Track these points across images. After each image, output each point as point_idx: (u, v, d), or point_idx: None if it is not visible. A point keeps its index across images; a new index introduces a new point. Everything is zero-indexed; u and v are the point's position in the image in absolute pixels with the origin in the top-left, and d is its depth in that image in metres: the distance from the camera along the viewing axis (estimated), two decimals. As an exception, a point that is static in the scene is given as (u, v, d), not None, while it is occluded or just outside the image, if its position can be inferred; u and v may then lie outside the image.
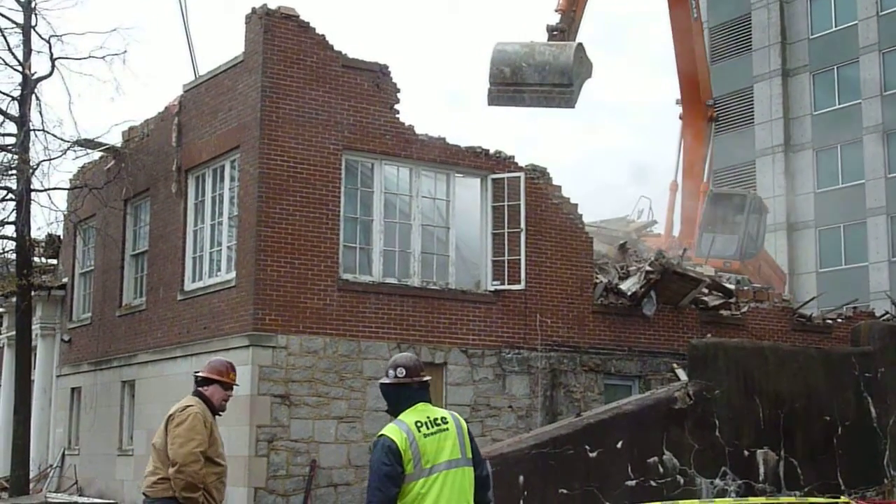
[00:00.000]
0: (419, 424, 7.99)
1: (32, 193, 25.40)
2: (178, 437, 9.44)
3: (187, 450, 9.36)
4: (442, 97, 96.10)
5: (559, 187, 24.40)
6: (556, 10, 27.24)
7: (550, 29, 26.71)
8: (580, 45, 25.21)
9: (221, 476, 9.73)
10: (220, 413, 10.02)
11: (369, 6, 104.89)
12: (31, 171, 25.08)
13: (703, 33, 34.22)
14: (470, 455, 8.11)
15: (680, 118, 34.92)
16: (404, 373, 8.16)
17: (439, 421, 8.06)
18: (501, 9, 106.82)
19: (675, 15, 32.39)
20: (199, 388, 9.96)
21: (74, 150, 26.19)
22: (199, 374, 10.02)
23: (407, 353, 9.03)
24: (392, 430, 7.94)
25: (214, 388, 9.96)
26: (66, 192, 28.19)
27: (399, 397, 8.16)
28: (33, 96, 25.33)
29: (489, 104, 25.12)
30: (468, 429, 8.20)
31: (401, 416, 8.07)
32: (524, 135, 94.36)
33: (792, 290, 50.87)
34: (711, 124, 34.77)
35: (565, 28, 26.77)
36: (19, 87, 25.42)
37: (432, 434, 7.99)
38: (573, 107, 24.89)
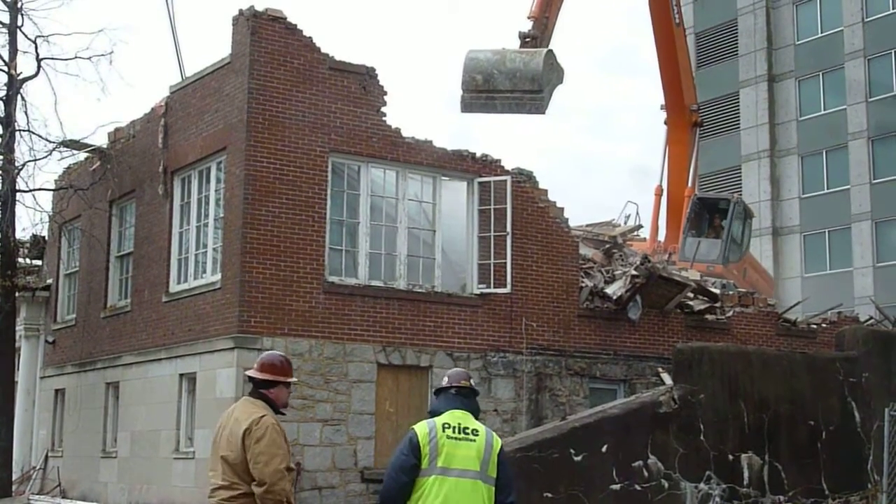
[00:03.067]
0: (447, 426, 8.37)
1: (17, 194, 25.34)
2: (262, 455, 8.74)
3: (273, 468, 8.72)
4: (444, 99, 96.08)
5: (545, 191, 24.42)
6: (529, 17, 27.20)
7: (523, 36, 26.70)
8: (550, 51, 25.32)
9: (293, 480, 9.41)
10: (283, 413, 9.49)
11: (363, 8, 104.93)
12: (16, 171, 25.02)
13: (687, 39, 34.24)
14: (492, 473, 8.36)
15: (665, 123, 34.97)
16: (447, 381, 8.72)
17: (469, 431, 8.40)
18: (499, 9, 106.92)
19: (658, 21, 32.44)
20: (263, 391, 9.15)
21: (60, 151, 26.14)
22: (259, 375, 9.17)
23: (460, 368, 9.38)
24: (419, 425, 8.42)
25: (279, 389, 9.18)
26: (52, 192, 28.10)
27: (439, 400, 8.65)
28: (19, 96, 25.26)
29: (462, 111, 25.10)
30: (500, 451, 8.46)
31: (436, 417, 8.49)
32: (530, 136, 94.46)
33: (777, 294, 50.98)
34: (696, 129, 34.81)
35: (538, 35, 26.74)
36: (5, 88, 25.35)
37: (458, 439, 8.33)
38: (544, 112, 24.92)
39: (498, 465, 8.41)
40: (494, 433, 8.60)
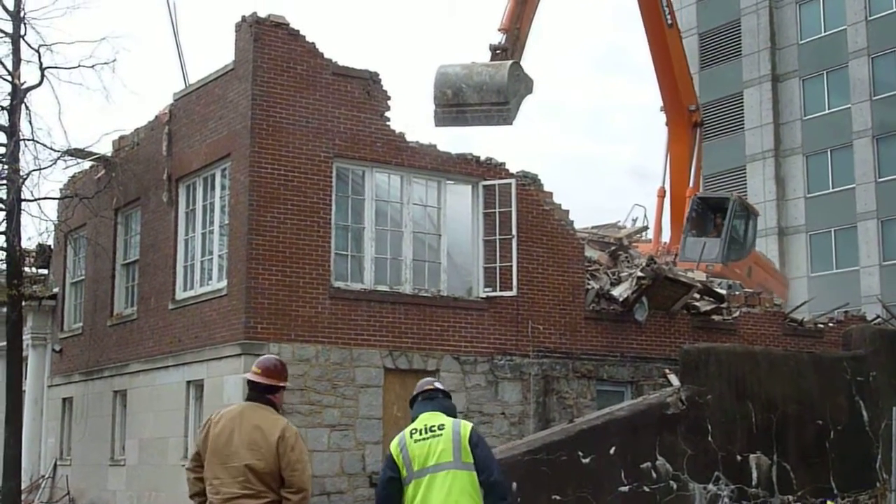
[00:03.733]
0: (413, 432, 8.80)
1: (22, 203, 25.34)
2: (299, 463, 8.78)
3: (308, 475, 8.83)
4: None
5: (550, 193, 24.41)
6: (499, 30, 27.39)
7: (493, 48, 26.98)
8: (515, 63, 25.74)
9: None
10: None
11: (364, 13, 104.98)
12: (21, 181, 25.03)
13: (682, 40, 34.22)
14: (467, 459, 8.64)
15: (665, 125, 34.93)
16: (414, 392, 9.18)
17: (435, 428, 8.76)
18: (495, 10, 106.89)
19: (649, 23, 32.45)
20: (269, 396, 9.17)
21: (65, 160, 26.18)
22: (266, 381, 9.17)
23: (428, 377, 9.68)
24: (393, 440, 8.95)
25: (280, 393, 9.30)
26: (57, 201, 28.15)
27: (413, 410, 9.12)
28: (23, 106, 25.30)
29: (436, 125, 25.53)
30: (472, 435, 8.75)
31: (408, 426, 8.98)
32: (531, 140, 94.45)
33: (787, 293, 50.93)
34: (697, 129, 34.72)
35: (508, 47, 27.01)
36: (9, 97, 25.39)
37: (423, 440, 8.72)
38: (511, 123, 25.36)
39: (472, 449, 8.68)
40: (463, 421, 8.90)
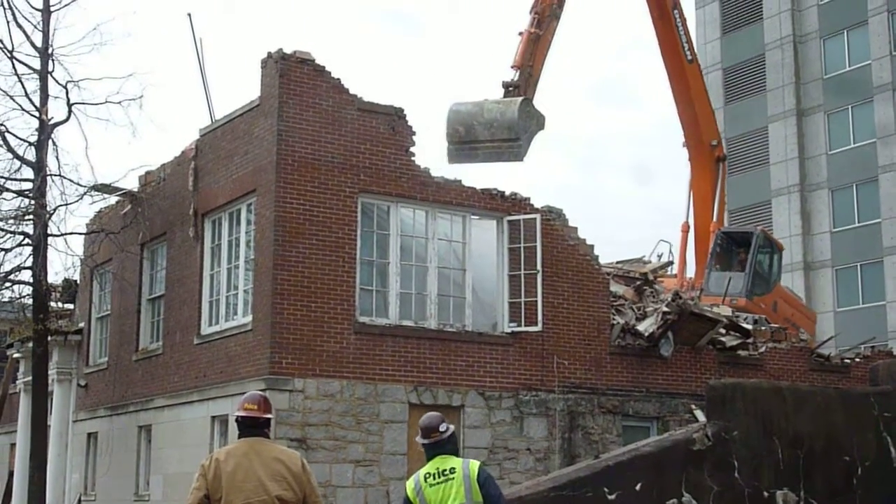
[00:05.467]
0: (427, 476, 9.66)
1: (49, 238, 25.50)
2: (316, 489, 9.16)
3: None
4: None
5: (575, 228, 24.40)
6: (512, 67, 27.52)
7: (506, 85, 27.13)
8: (525, 100, 25.93)
9: None
10: None
11: (389, 48, 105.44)
12: (47, 216, 25.18)
13: (703, 75, 34.24)
14: (477, 499, 9.54)
15: (689, 160, 34.92)
16: (420, 435, 9.89)
17: (447, 471, 9.61)
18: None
19: (669, 59, 32.52)
20: (266, 430, 9.32)
21: (91, 195, 26.34)
22: (264, 414, 9.24)
23: (430, 413, 9.88)
24: (408, 482, 9.80)
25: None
26: (83, 236, 28.27)
27: (425, 454, 9.83)
28: (50, 141, 25.47)
29: (448, 162, 25.85)
30: (479, 474, 9.62)
31: (421, 469, 9.77)
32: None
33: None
34: (720, 164, 34.71)
35: (520, 84, 27.13)
36: (36, 133, 25.57)
37: (437, 484, 9.58)
38: (521, 160, 25.58)
39: (481, 488, 9.58)
40: (471, 461, 9.79)
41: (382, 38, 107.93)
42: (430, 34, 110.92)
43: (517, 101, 25.78)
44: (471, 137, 25.46)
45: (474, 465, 9.71)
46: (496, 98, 26.54)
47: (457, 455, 9.86)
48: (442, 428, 9.78)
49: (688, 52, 32.49)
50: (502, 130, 25.29)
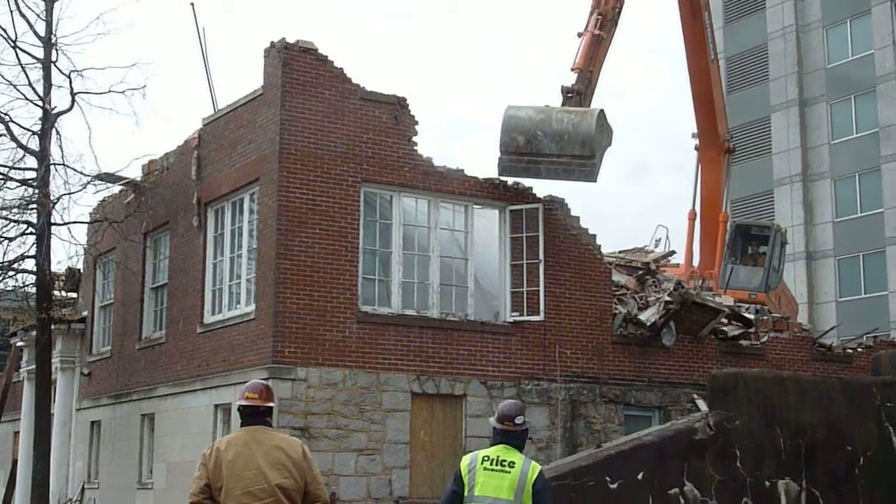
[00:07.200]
0: (486, 458, 9.40)
1: (52, 227, 25.54)
2: (318, 476, 9.12)
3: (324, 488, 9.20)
4: (466, 127, 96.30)
5: (577, 218, 24.39)
6: (573, 70, 25.37)
7: (565, 90, 24.81)
8: (602, 111, 23.17)
9: None
10: None
11: (392, 38, 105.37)
12: (51, 205, 25.21)
13: (719, 71, 34.31)
14: (526, 502, 9.22)
15: (696, 149, 35.05)
16: (495, 418, 9.65)
17: (506, 463, 9.34)
18: (528, 39, 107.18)
19: (693, 57, 32.53)
20: (267, 419, 9.31)
21: (94, 185, 26.33)
22: (265, 403, 9.24)
23: (512, 401, 9.87)
24: (465, 457, 9.60)
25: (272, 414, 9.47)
26: (86, 225, 28.29)
27: (493, 435, 9.64)
28: (53, 131, 25.48)
29: (500, 174, 23.28)
30: (537, 480, 9.31)
31: (482, 450, 9.55)
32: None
33: (812, 319, 50.70)
34: (728, 156, 34.92)
35: (582, 90, 24.93)
36: (40, 122, 25.59)
37: (493, 471, 9.31)
38: (595, 180, 22.86)
39: (533, 494, 9.22)
40: (534, 462, 9.42)
41: (383, 30, 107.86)
42: (430, 31, 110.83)
43: (594, 111, 23.13)
44: (532, 149, 22.68)
45: (535, 468, 9.38)
46: (563, 106, 23.99)
47: (521, 451, 9.55)
48: (518, 420, 9.52)
49: (712, 52, 32.57)
50: (575, 145, 22.47)
